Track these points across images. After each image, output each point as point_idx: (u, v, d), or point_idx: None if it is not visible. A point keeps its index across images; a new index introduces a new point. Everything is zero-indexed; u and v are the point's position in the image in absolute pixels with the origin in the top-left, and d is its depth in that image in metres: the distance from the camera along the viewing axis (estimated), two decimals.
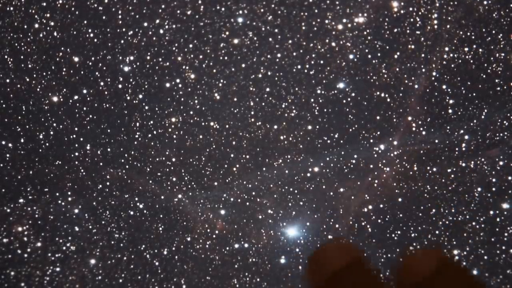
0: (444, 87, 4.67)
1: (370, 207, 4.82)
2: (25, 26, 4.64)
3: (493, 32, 4.54)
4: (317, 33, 4.72)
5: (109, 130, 4.87)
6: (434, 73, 4.68)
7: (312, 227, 4.89)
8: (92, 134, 4.84)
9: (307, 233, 4.90)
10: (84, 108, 4.82)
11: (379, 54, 4.70)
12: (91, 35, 4.70)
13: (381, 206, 4.81)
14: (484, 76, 4.61)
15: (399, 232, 4.83)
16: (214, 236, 4.92)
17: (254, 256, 4.90)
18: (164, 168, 4.90)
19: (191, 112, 4.86)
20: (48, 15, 4.64)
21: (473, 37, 4.60)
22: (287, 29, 4.74)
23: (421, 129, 4.73)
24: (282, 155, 4.90)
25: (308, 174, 4.88)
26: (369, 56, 4.71)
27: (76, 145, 4.83)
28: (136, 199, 4.90)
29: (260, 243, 4.91)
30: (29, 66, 4.70)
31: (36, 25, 4.64)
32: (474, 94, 4.64)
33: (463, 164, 4.72)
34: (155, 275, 4.89)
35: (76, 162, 4.82)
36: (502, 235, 4.65)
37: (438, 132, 4.71)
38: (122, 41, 4.74)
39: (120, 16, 4.69)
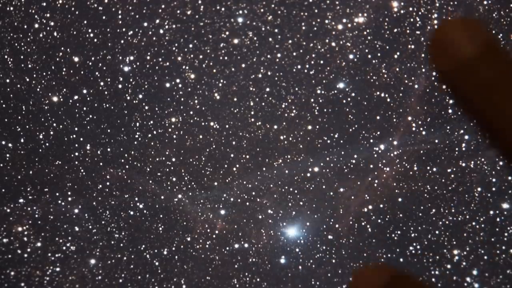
0: (444, 87, 4.66)
1: (370, 207, 4.82)
2: (25, 26, 4.64)
3: (493, 32, 4.54)
4: (317, 33, 4.72)
5: (109, 130, 4.87)
6: (434, 73, 4.68)
7: (312, 227, 4.89)
8: (92, 134, 4.85)
9: (307, 233, 4.90)
10: (84, 108, 4.82)
11: (379, 54, 4.70)
12: (91, 35, 4.70)
13: (381, 206, 4.82)
14: None
15: (399, 232, 4.83)
16: (214, 236, 4.93)
17: (254, 256, 4.90)
18: (164, 168, 4.90)
19: (191, 112, 4.86)
20: (48, 15, 4.64)
21: None
22: (287, 29, 4.74)
23: (421, 129, 4.73)
24: (282, 155, 4.90)
25: (308, 174, 4.88)
26: (369, 56, 4.71)
27: (76, 145, 4.83)
28: (136, 199, 4.90)
29: (260, 243, 4.91)
30: (29, 66, 4.70)
31: (36, 25, 4.64)
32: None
33: (463, 164, 4.72)
34: (155, 275, 4.89)
35: (76, 162, 4.82)
36: (502, 235, 4.65)
37: (438, 132, 4.71)
38: (122, 41, 4.74)
39: (120, 16, 4.69)
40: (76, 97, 4.79)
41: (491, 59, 0.32)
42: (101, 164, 4.85)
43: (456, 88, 0.33)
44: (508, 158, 0.32)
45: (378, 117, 4.78)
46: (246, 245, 4.90)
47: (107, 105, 4.83)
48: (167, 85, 4.82)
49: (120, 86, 4.80)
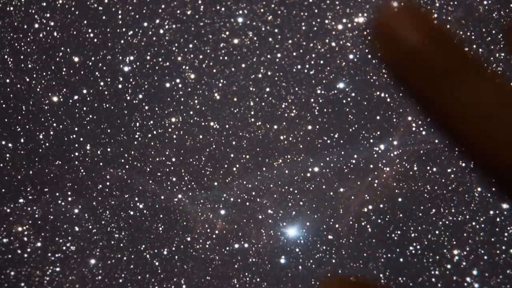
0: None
1: (370, 207, 4.82)
2: (25, 26, 4.64)
3: (493, 32, 4.54)
4: (317, 33, 4.72)
5: (109, 130, 4.87)
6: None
7: (312, 227, 4.89)
8: (92, 134, 4.85)
9: (307, 233, 4.90)
10: (84, 108, 4.82)
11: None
12: (91, 35, 4.70)
13: (381, 206, 4.82)
14: None
15: (399, 232, 4.82)
16: (214, 236, 4.93)
17: (254, 256, 4.90)
18: (164, 168, 4.90)
19: (191, 112, 4.86)
20: (48, 15, 4.64)
21: (473, 37, 4.60)
22: (287, 29, 4.74)
23: (421, 129, 4.73)
24: (282, 155, 4.90)
25: (308, 174, 4.88)
26: (369, 56, 4.71)
27: (76, 145, 4.83)
28: (136, 199, 4.91)
29: (260, 243, 4.91)
30: (29, 66, 4.70)
31: (36, 25, 4.64)
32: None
33: (463, 164, 4.71)
34: (155, 275, 4.89)
35: (76, 162, 4.82)
36: (502, 235, 4.65)
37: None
38: (122, 41, 4.74)
39: (120, 16, 4.69)
40: (76, 97, 4.79)
41: (438, 45, 0.31)
42: (101, 164, 4.85)
43: (402, 78, 0.32)
44: (464, 150, 0.31)
45: (378, 117, 4.78)
46: (246, 245, 4.90)
47: (107, 105, 4.84)
48: (167, 85, 4.82)
49: (120, 86, 4.80)
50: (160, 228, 4.93)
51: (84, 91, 4.79)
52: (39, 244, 4.78)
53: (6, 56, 4.68)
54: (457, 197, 4.75)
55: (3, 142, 4.75)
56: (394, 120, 4.76)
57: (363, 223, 4.84)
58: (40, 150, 4.79)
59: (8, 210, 4.75)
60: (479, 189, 4.71)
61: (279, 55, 4.78)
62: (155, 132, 4.87)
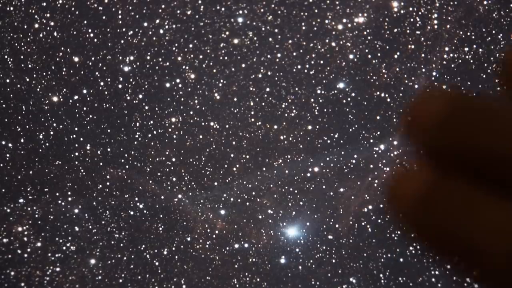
0: (444, 87, 4.66)
1: (370, 207, 4.82)
2: (25, 26, 4.64)
3: (493, 32, 4.54)
4: (317, 33, 4.72)
5: (109, 130, 4.87)
6: (434, 73, 4.68)
7: (312, 227, 4.89)
8: (92, 134, 4.84)
9: (307, 233, 4.90)
10: (84, 108, 4.82)
11: (379, 54, 4.70)
12: (91, 35, 4.70)
13: (381, 206, 4.81)
14: (484, 76, 4.62)
15: (399, 232, 4.82)
16: (214, 236, 4.93)
17: (254, 256, 4.90)
18: (164, 168, 4.90)
19: (191, 112, 4.86)
20: (48, 15, 4.63)
21: (473, 37, 4.60)
22: (287, 29, 4.74)
23: None
24: (282, 155, 4.90)
25: (308, 174, 4.88)
26: (369, 56, 4.71)
27: (76, 145, 4.83)
28: (136, 199, 4.90)
29: (260, 243, 4.91)
30: (29, 66, 4.70)
31: (36, 25, 4.64)
32: (473, 94, 4.63)
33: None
34: (155, 275, 4.89)
35: (76, 162, 4.82)
36: None
37: None
38: (122, 41, 4.74)
39: (120, 16, 4.69)
40: (76, 97, 4.79)
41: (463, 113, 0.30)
42: (101, 164, 4.85)
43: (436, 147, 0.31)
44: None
45: (378, 117, 4.78)
46: (246, 245, 4.90)
47: (107, 105, 4.84)
48: (167, 85, 4.82)
49: (120, 86, 4.80)
50: (160, 228, 4.93)
51: (84, 91, 4.79)
52: (39, 244, 4.78)
53: (6, 56, 4.68)
54: None
55: (3, 142, 4.75)
56: (394, 120, 4.76)
57: (363, 223, 4.84)
58: (40, 150, 4.79)
59: (8, 210, 4.75)
60: None
61: (279, 55, 4.78)
62: (155, 132, 4.87)
